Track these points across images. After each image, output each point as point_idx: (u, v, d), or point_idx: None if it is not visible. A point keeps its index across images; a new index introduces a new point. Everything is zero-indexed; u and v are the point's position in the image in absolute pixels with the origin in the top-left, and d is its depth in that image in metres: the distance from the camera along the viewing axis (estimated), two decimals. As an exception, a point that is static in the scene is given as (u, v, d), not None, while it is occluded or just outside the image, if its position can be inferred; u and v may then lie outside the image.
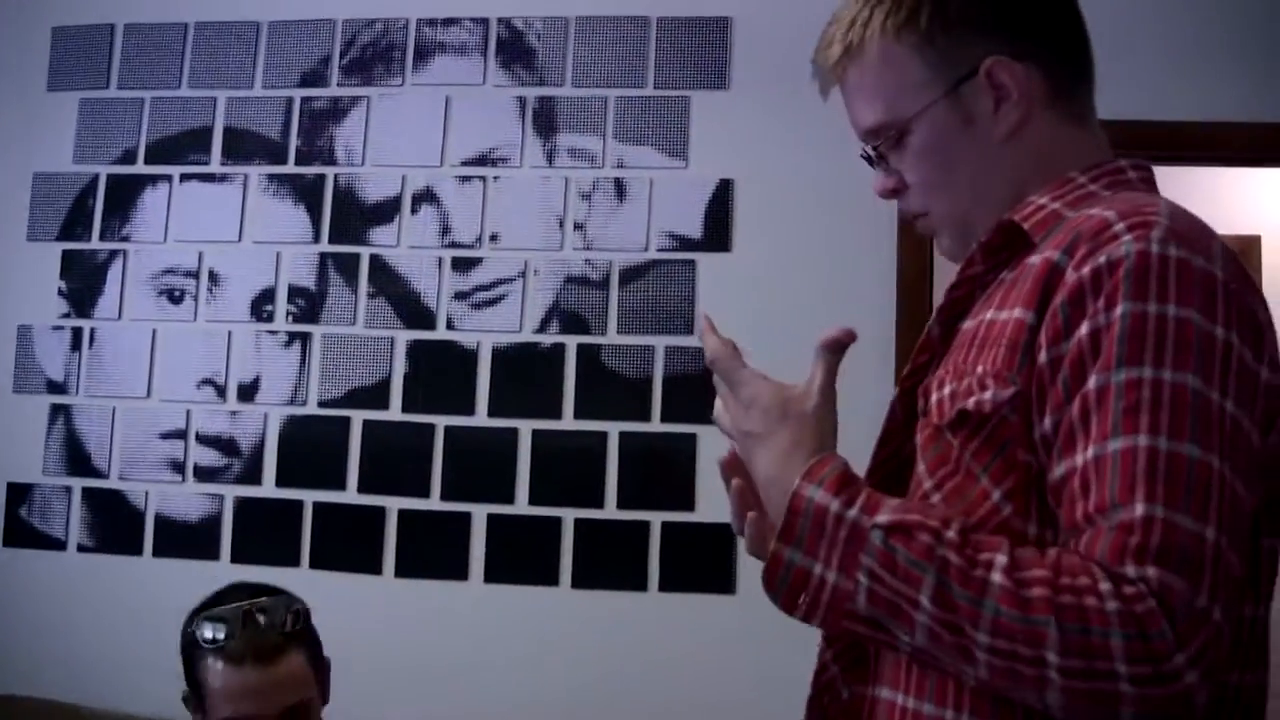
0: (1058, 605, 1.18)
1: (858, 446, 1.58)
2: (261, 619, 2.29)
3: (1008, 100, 1.50)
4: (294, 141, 4.05)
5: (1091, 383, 1.27)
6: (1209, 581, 1.17)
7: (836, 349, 1.50)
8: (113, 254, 4.08)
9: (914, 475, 1.48)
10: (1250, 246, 5.05)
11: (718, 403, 1.54)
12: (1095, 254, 1.30)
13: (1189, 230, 1.32)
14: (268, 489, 3.91)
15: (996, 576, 1.21)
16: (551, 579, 3.75)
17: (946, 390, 1.43)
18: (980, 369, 1.39)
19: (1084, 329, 1.28)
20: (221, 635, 2.26)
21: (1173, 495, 1.19)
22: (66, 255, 4.11)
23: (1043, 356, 1.32)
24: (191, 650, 2.32)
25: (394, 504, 3.85)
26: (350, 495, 3.87)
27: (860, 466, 1.52)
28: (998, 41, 1.50)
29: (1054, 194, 1.48)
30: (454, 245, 3.93)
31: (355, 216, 3.99)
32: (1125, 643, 1.15)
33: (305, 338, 3.96)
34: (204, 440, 3.96)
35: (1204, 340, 1.25)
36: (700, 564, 3.70)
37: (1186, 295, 1.26)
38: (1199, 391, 1.23)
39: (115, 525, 3.96)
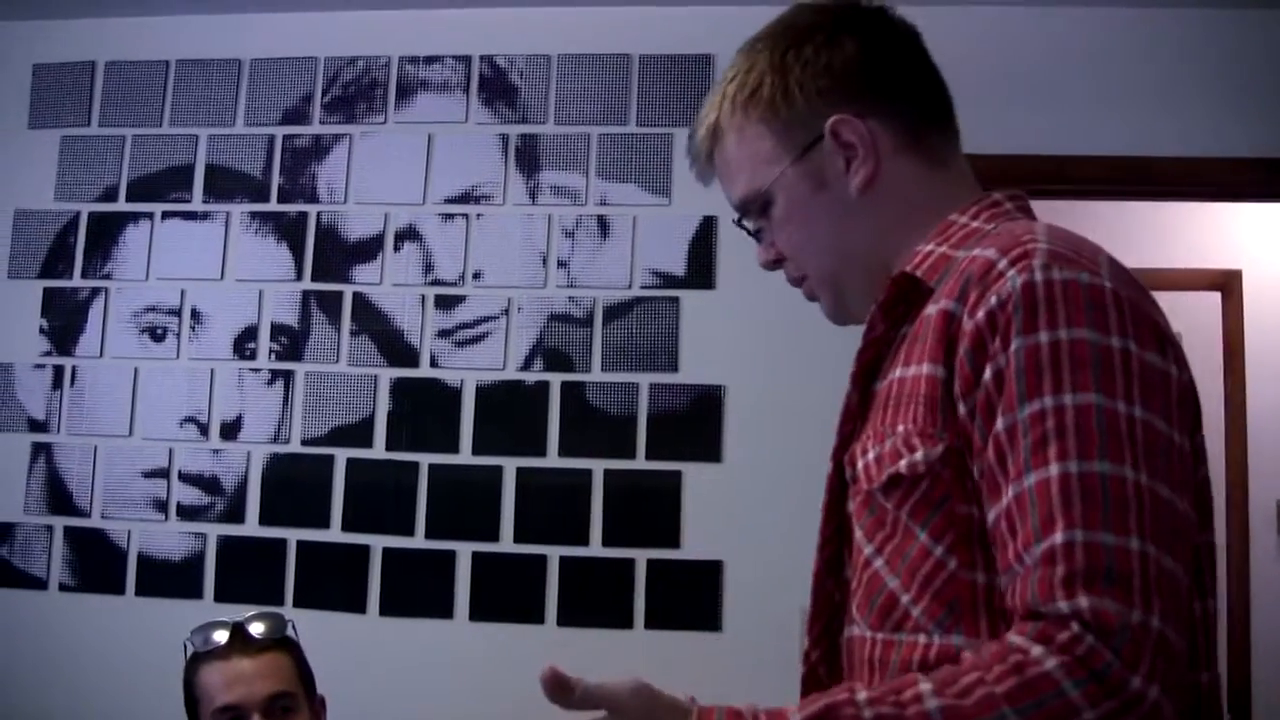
0: (1004, 694, 1.16)
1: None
2: (249, 626, 2.52)
3: (856, 157, 1.54)
4: (276, 179, 4.05)
5: (999, 424, 1.28)
6: (1140, 591, 1.17)
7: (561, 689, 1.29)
8: (94, 292, 4.07)
9: (853, 544, 1.49)
10: (1232, 280, 5.07)
11: None
12: (986, 296, 1.31)
13: (1070, 249, 1.34)
14: (251, 527, 3.90)
15: (932, 703, 1.19)
16: (537, 617, 3.74)
17: (871, 455, 1.44)
18: (901, 428, 1.40)
19: (988, 373, 1.30)
20: (214, 641, 2.49)
21: (1090, 515, 1.19)
22: (48, 293, 4.09)
23: (962, 409, 1.34)
24: (190, 669, 2.51)
25: (378, 542, 3.83)
26: (334, 534, 3.86)
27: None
28: (839, 103, 1.54)
29: (939, 238, 1.51)
30: (437, 283, 3.93)
31: (338, 254, 3.98)
32: (1082, 691, 1.15)
33: (288, 376, 3.95)
34: (186, 479, 3.94)
35: (1100, 354, 1.26)
36: (686, 601, 3.70)
37: (1075, 315, 1.27)
38: (1102, 406, 1.23)
39: (97, 564, 3.94)
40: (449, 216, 3.96)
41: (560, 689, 1.26)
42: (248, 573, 3.88)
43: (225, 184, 4.07)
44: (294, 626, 2.60)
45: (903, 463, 1.38)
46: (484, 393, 3.86)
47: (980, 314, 1.31)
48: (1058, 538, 1.19)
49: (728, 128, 1.60)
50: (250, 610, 2.57)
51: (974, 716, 1.17)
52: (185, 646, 2.53)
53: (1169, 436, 1.26)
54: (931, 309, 1.40)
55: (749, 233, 1.68)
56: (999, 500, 1.28)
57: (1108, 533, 1.19)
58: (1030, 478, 1.24)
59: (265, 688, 2.45)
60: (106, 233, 4.10)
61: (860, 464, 1.46)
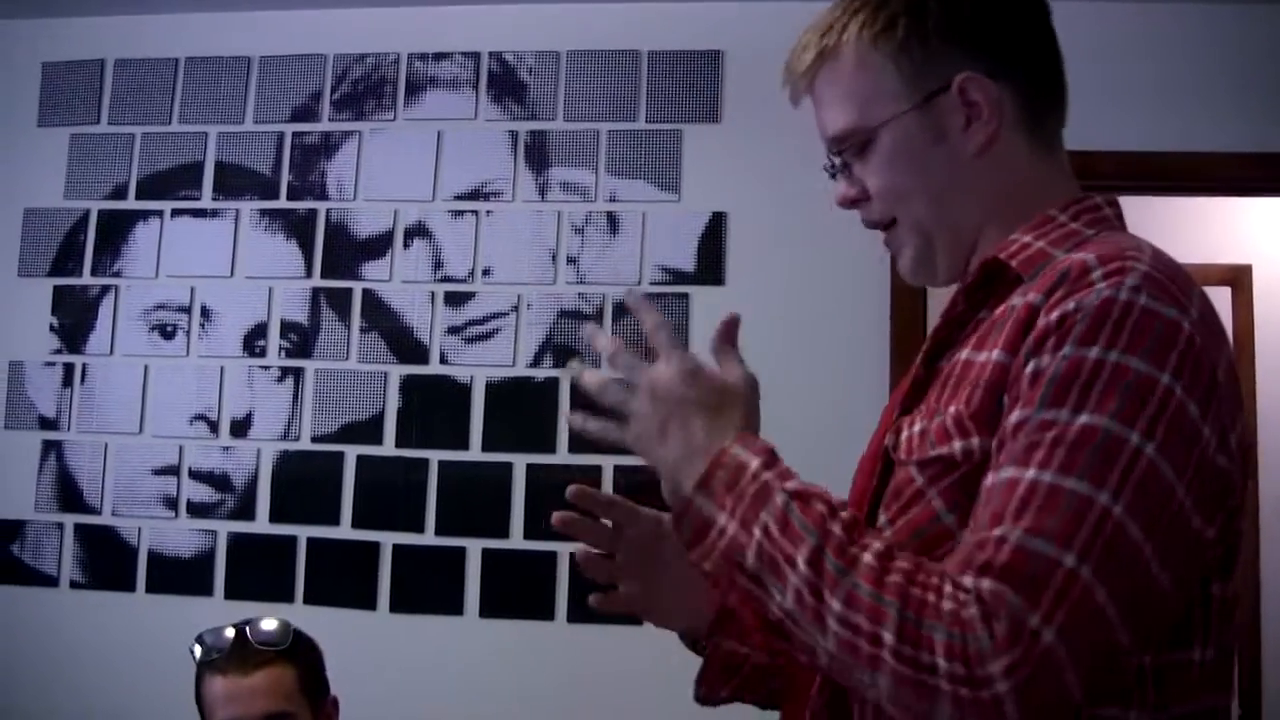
0: (906, 593, 1.21)
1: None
2: (250, 636, 2.49)
3: (979, 118, 1.50)
4: (285, 176, 4.05)
5: (1014, 417, 1.28)
6: (1049, 604, 1.16)
7: (732, 338, 1.56)
8: (104, 289, 4.07)
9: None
10: (1242, 276, 5.06)
11: (623, 354, 1.53)
12: (1067, 299, 1.29)
13: (1167, 277, 1.31)
14: (261, 525, 3.90)
15: (867, 556, 1.25)
16: (547, 613, 3.74)
17: (917, 428, 1.43)
18: (953, 409, 1.38)
19: (1030, 367, 1.29)
20: (213, 651, 2.49)
21: (1036, 523, 1.20)
22: (58, 291, 4.10)
23: (1006, 398, 1.33)
24: (197, 673, 2.51)
25: (388, 539, 3.84)
26: (344, 531, 3.86)
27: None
28: (974, 58, 1.50)
29: (1037, 232, 1.47)
30: (447, 279, 3.93)
31: (347, 251, 3.99)
32: (946, 640, 1.18)
33: (298, 373, 3.95)
34: (197, 476, 3.95)
35: (1140, 384, 1.23)
36: (696, 597, 3.69)
37: (1136, 341, 1.25)
38: (1110, 431, 1.22)
39: (108, 562, 3.94)
40: (458, 213, 3.96)
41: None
42: (258, 570, 3.88)
43: (235, 181, 4.08)
44: (299, 634, 2.57)
45: (957, 446, 1.36)
46: (494, 389, 3.86)
47: (1055, 314, 1.29)
48: (995, 532, 1.21)
49: (848, 55, 1.54)
50: (259, 611, 2.55)
51: (877, 590, 1.23)
52: (191, 652, 2.52)
53: (1171, 488, 1.23)
54: (1019, 300, 1.38)
55: (832, 165, 1.61)
56: (981, 483, 1.30)
57: (1047, 542, 1.19)
58: (1006, 472, 1.25)
59: (261, 707, 2.44)
60: (116, 230, 4.10)
61: (904, 435, 1.45)
